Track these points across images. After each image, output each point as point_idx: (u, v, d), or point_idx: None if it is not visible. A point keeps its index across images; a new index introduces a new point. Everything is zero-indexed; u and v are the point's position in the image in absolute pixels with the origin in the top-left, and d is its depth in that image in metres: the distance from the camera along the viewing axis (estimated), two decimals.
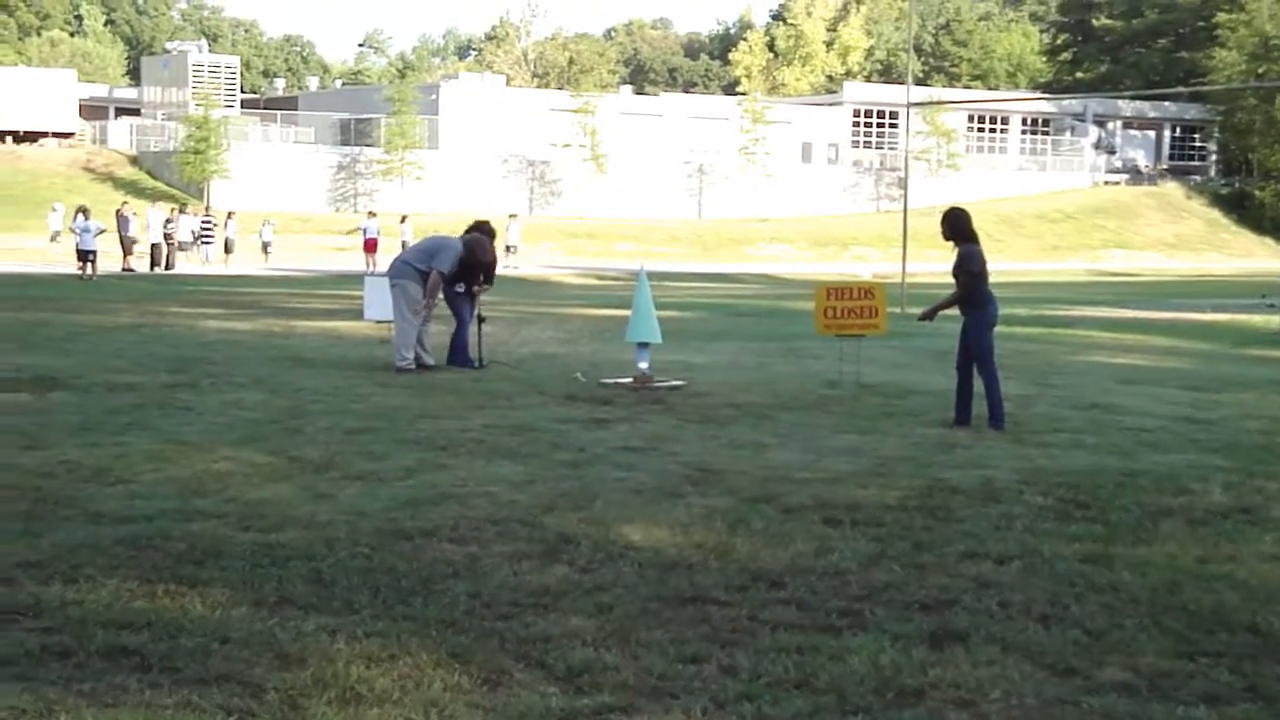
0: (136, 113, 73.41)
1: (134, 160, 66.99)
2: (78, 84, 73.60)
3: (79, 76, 77.48)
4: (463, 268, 15.79)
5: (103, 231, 38.56)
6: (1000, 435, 11.35)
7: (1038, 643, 5.60)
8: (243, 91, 79.05)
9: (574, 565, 6.72)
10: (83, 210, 39.26)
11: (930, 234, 13.94)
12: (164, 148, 66.37)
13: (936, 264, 13.37)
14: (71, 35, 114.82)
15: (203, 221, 48.64)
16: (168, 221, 45.37)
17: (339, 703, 4.76)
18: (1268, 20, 77.96)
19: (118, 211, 43.91)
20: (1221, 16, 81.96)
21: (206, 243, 47.93)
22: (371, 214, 51.23)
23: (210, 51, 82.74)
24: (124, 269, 42.12)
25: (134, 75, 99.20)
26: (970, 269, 11.74)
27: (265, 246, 50.01)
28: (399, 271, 15.84)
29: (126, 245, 42.91)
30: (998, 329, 12.19)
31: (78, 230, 38.15)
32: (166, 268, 43.93)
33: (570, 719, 4.67)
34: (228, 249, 47.73)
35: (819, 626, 5.79)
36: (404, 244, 39.36)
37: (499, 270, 17.40)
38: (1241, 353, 20.88)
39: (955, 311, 12.13)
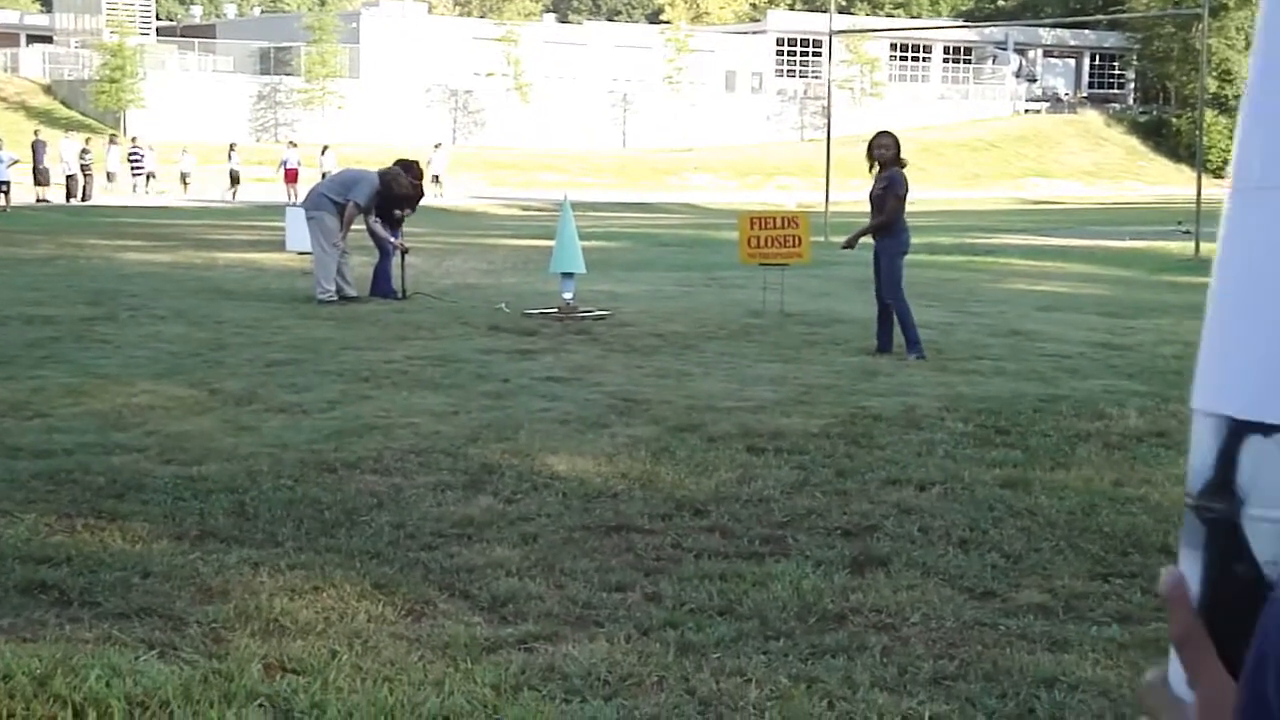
0: (49, 40, 71.87)
1: (47, 89, 65.66)
2: None
3: None
4: (380, 200, 15.67)
5: (16, 162, 37.86)
6: (922, 363, 11.44)
7: (957, 567, 5.68)
8: (158, 19, 77.58)
9: (498, 496, 6.73)
10: None
11: (854, 162, 13.97)
12: (78, 76, 65.09)
13: (860, 193, 13.39)
14: None
15: (130, 152, 47.98)
16: (84, 152, 44.67)
17: (262, 635, 4.75)
18: None
19: (33, 142, 43.15)
20: None
21: (136, 173, 47.32)
22: (292, 144, 50.65)
23: None
24: (38, 200, 41.43)
25: (45, 1, 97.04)
26: (898, 193, 11.77)
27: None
28: (315, 203, 15.72)
29: (41, 176, 42.21)
30: (912, 258, 12.24)
31: None
32: (83, 199, 43.25)
33: (495, 648, 4.69)
34: (184, 182, 47.61)
35: (742, 553, 5.84)
36: (324, 175, 39.00)
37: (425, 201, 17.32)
38: (1158, 279, 21.15)
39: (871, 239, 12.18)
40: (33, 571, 5.34)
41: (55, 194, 42.61)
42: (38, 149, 42.33)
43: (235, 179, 47.90)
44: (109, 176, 45.85)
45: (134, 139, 51.09)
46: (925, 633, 4.92)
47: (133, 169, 47.52)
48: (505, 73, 68.86)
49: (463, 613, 5.05)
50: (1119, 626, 5.00)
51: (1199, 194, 27.42)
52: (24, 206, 38.13)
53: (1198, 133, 30.84)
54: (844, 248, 12.91)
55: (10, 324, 12.94)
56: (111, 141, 47.70)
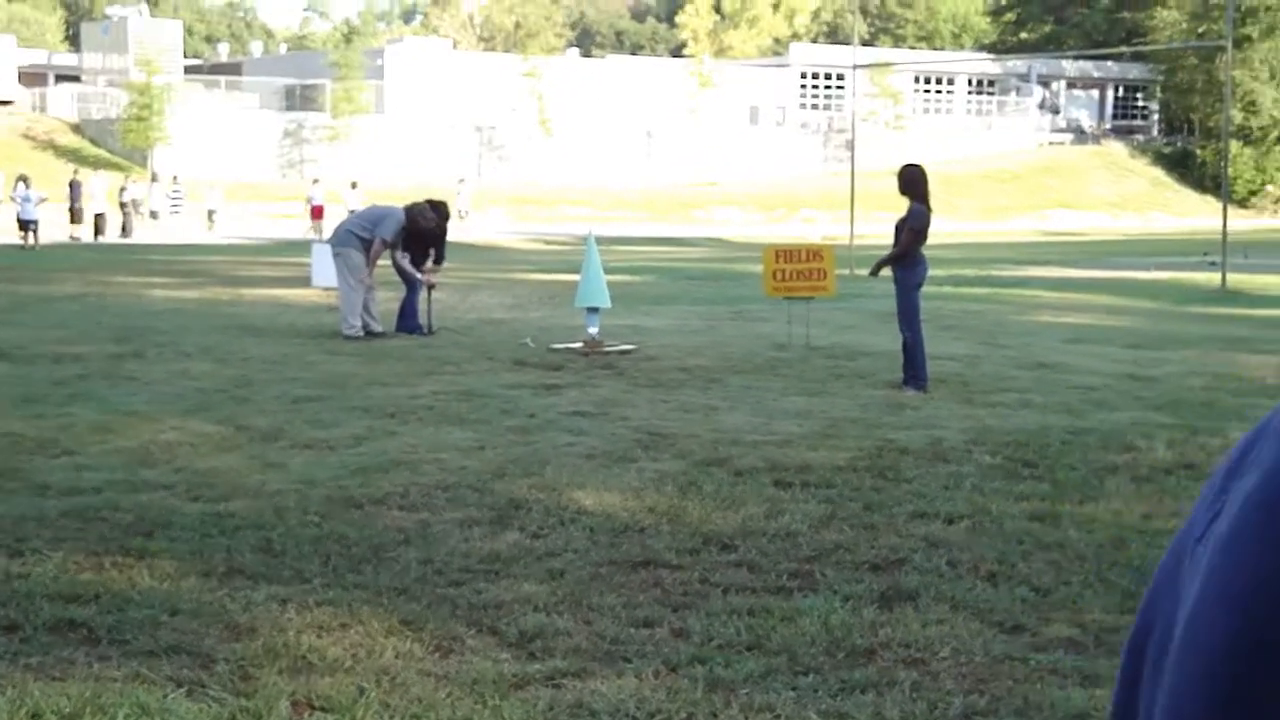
0: (77, 79, 72.40)
1: (75, 128, 66.08)
2: (16, 50, 72.47)
3: (17, 42, 76.29)
4: (407, 236, 15.73)
5: (44, 200, 38.13)
6: (948, 396, 11.40)
7: (986, 601, 5.65)
8: (185, 57, 78.15)
9: (525, 531, 6.72)
10: (23, 179, 38.80)
11: (878, 195, 13.99)
12: (106, 115, 65.48)
13: (885, 225, 13.41)
14: (9, 0, 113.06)
15: (172, 191, 48.48)
16: (123, 190, 45.09)
17: (290, 672, 4.75)
18: None
19: (70, 181, 43.51)
20: None
21: (175, 210, 47.82)
22: (316, 181, 50.90)
23: (151, 16, 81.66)
24: (70, 237, 41.73)
25: (74, 41, 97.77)
26: (913, 226, 11.79)
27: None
28: (341, 239, 15.80)
29: (76, 215, 42.56)
30: (938, 290, 12.23)
31: (18, 199, 37.74)
32: (123, 235, 43.62)
33: (523, 684, 4.68)
34: (210, 219, 48.22)
35: (770, 588, 5.82)
36: (350, 211, 39.15)
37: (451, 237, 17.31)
38: (1184, 310, 21.07)
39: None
40: (61, 610, 5.36)
41: (87, 232, 42.90)
42: (74, 188, 42.69)
43: (318, 214, 48.17)
44: (151, 214, 46.37)
45: (175, 178, 51.50)
46: (955, 667, 4.89)
47: (171, 206, 47.98)
48: (529, 108, 69.11)
49: (490, 649, 5.04)
50: None
51: (1225, 225, 27.33)
52: (54, 244, 38.37)
53: (1222, 164, 30.75)
54: (870, 275, 12.97)
55: (39, 361, 13.00)
56: (153, 180, 48.21)
